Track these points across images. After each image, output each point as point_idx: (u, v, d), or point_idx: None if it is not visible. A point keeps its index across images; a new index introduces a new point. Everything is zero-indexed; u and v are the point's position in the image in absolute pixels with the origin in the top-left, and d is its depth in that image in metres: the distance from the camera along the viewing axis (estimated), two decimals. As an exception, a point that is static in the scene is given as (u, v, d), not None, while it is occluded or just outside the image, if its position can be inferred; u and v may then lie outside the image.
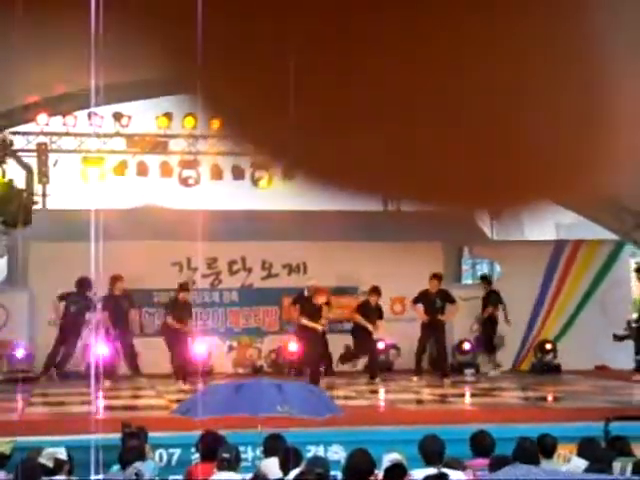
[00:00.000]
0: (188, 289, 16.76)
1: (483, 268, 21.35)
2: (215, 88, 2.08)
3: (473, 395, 15.42)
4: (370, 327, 16.74)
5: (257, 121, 2.12)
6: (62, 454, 7.91)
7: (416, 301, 17.11)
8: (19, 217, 8.35)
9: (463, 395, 15.51)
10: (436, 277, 17.21)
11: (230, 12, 1.96)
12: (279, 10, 1.93)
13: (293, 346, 17.12)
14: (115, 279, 16.56)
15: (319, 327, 16.01)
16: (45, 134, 18.19)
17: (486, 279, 18.93)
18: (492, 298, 18.11)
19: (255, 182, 18.50)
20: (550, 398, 14.76)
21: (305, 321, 15.99)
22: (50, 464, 7.76)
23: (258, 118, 2.11)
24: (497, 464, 7.27)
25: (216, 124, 2.65)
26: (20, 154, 18.40)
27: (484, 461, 7.63)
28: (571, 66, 1.97)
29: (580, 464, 7.63)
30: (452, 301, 17.14)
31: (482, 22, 1.91)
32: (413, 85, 1.96)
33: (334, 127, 2.05)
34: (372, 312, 16.88)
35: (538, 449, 7.97)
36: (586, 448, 8.11)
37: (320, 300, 16.08)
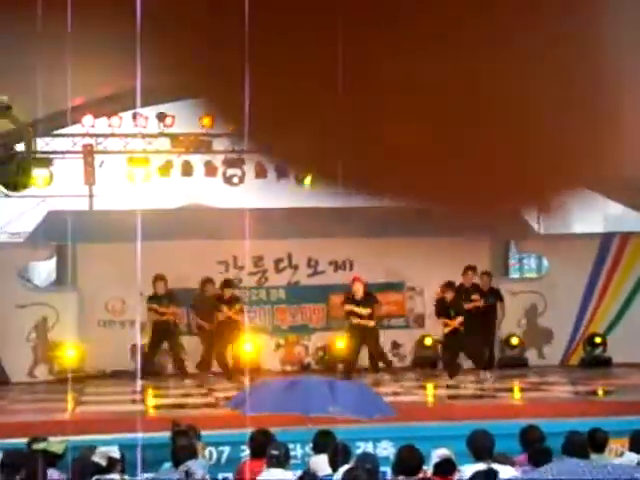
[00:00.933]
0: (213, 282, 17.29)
1: (530, 262, 21.22)
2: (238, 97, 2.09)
3: (522, 390, 15.32)
4: (453, 325, 16.27)
5: (289, 129, 2.12)
6: (115, 452, 7.97)
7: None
8: (18, 179, 8.36)
9: (512, 389, 15.41)
10: (471, 269, 17.13)
11: (265, 26, 1.97)
12: (313, 22, 1.93)
13: (340, 343, 17.15)
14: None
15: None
16: (91, 135, 18.34)
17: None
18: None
19: (299, 180, 18.51)
20: (600, 392, 14.62)
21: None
22: (103, 462, 7.82)
23: (288, 126, 2.12)
24: (535, 456, 7.23)
25: (231, 126, 2.65)
26: (66, 156, 18.60)
27: (535, 456, 7.58)
28: (583, 62, 1.96)
29: (633, 458, 7.56)
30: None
31: (493, 23, 1.90)
32: (444, 88, 1.95)
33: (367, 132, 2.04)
34: (445, 309, 16.47)
35: (588, 443, 7.91)
36: (638, 442, 8.03)
37: (355, 289, 16.15)
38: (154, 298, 16.58)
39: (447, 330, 16.25)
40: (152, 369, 16.51)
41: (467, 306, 16.55)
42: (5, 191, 8.57)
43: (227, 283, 17.02)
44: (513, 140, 2.06)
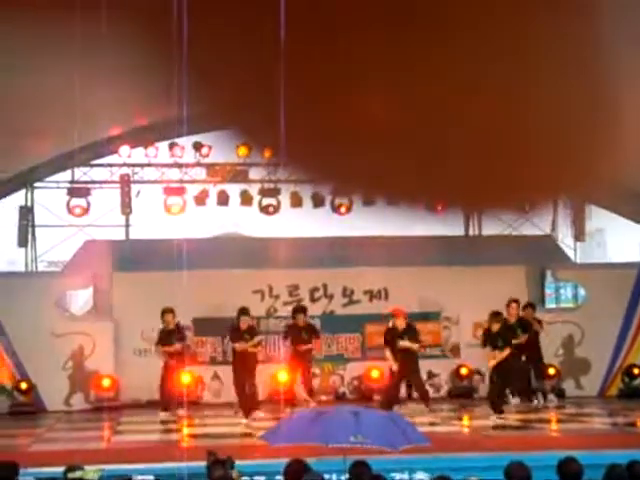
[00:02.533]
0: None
1: (567, 292, 21.07)
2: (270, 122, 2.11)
3: (559, 421, 15.18)
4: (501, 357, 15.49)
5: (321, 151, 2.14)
6: (150, 482, 7.98)
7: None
8: None
9: (549, 421, 15.28)
10: (515, 302, 16.71)
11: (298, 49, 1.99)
12: (348, 47, 1.95)
13: (375, 373, 17.09)
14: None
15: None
16: (128, 165, 18.50)
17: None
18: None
19: (335, 209, 18.54)
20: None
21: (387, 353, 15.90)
22: (138, 492, 7.83)
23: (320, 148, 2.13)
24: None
25: (268, 153, 2.66)
26: (103, 185, 18.76)
27: (573, 488, 7.48)
28: (581, 67, 1.97)
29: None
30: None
31: (494, 26, 1.91)
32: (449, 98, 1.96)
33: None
34: (494, 339, 15.66)
35: (628, 476, 7.80)
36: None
37: (399, 323, 15.91)
38: (163, 332, 16.31)
39: (494, 363, 15.51)
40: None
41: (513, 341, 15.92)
42: None
43: (243, 311, 15.90)
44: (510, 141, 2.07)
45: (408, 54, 2.01)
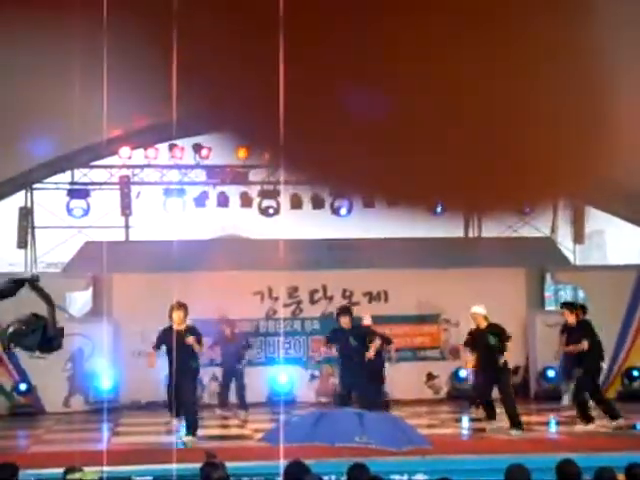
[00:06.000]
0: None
1: (566, 294, 21.05)
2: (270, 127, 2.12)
3: (558, 423, 15.16)
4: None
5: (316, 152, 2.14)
6: (149, 484, 7.96)
7: None
8: (42, 348, 8.46)
9: (548, 423, 15.26)
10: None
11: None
12: (344, 49, 1.95)
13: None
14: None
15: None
16: (127, 167, 18.50)
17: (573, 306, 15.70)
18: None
19: (335, 211, 18.54)
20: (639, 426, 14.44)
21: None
22: (137, 494, 7.81)
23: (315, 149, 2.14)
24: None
25: (266, 155, 2.67)
26: (103, 187, 18.76)
27: (571, 490, 7.48)
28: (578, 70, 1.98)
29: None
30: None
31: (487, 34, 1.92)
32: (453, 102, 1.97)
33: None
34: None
35: (626, 479, 7.80)
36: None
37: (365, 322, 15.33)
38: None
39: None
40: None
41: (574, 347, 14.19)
42: (34, 354, 8.67)
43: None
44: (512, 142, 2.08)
45: (406, 54, 2.02)
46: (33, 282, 8.32)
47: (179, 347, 12.52)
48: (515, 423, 13.30)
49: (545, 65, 2.00)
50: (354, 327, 14.71)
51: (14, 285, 8.22)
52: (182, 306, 12.93)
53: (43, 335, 8.16)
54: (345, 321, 14.57)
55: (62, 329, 8.20)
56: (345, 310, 15.02)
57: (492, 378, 13.65)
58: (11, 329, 8.13)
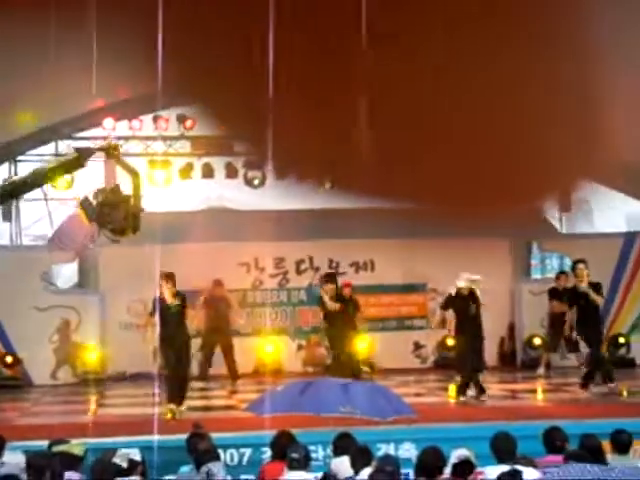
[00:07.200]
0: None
1: (553, 262, 21.09)
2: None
3: (545, 391, 15.23)
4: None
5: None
6: (136, 455, 7.94)
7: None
8: (127, 224, 8.33)
9: (535, 391, 15.33)
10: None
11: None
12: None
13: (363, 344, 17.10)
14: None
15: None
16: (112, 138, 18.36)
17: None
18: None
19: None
20: (625, 393, 14.50)
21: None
22: (124, 465, 7.80)
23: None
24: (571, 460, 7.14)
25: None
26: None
27: (556, 458, 7.51)
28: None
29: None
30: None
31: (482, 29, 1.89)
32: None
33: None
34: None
35: (612, 445, 7.84)
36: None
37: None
38: None
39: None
40: None
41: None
42: (113, 237, 8.57)
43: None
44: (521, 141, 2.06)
45: (402, 54, 1.98)
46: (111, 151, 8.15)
47: (169, 318, 12.64)
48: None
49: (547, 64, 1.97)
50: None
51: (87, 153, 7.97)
52: (169, 276, 13.04)
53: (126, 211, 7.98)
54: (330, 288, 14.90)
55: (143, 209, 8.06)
56: (331, 277, 15.50)
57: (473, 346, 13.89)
58: (100, 197, 7.91)
